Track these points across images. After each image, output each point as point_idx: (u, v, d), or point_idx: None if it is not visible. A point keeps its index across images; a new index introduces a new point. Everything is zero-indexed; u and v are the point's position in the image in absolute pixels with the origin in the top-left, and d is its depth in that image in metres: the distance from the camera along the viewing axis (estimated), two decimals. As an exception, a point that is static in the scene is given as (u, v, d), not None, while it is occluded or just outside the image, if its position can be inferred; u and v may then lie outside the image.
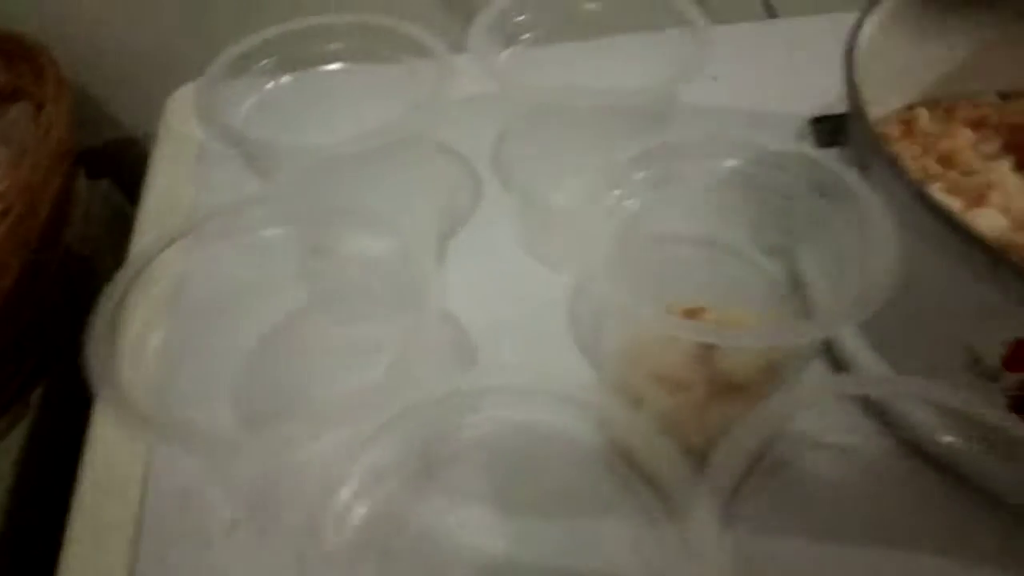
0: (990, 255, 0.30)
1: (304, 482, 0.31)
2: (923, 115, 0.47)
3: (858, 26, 0.41)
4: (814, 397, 0.26)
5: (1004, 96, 0.49)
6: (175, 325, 0.33)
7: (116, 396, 0.27)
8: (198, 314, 0.34)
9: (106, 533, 0.37)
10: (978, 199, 0.40)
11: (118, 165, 0.74)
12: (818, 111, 0.55)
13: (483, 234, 0.50)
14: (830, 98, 0.56)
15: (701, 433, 0.36)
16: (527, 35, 0.44)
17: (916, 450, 0.29)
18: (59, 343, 0.55)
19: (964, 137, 0.44)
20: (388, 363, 0.28)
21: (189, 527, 0.37)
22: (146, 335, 0.31)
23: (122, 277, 0.31)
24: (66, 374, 0.55)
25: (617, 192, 0.35)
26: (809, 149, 0.35)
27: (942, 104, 0.48)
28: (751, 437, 0.24)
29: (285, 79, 0.41)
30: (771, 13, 0.71)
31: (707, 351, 0.35)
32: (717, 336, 0.30)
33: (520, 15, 0.44)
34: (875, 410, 0.29)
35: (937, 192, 0.40)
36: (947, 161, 0.42)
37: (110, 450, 0.40)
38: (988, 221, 0.38)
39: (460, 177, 0.53)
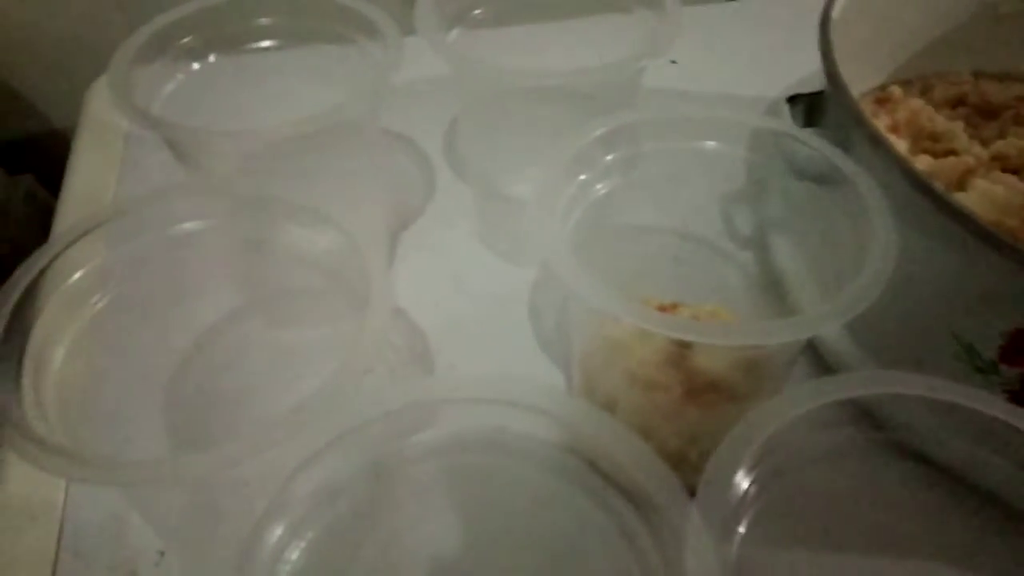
0: (988, 239, 0.28)
1: (239, 509, 0.27)
2: (897, 93, 0.44)
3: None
4: (804, 402, 0.23)
5: (976, 75, 0.47)
6: (90, 332, 0.29)
7: (18, 426, 0.23)
8: (117, 319, 0.30)
9: (20, 567, 0.33)
10: (959, 183, 0.38)
11: (42, 159, 0.69)
12: (783, 92, 0.53)
13: (437, 227, 0.46)
14: (793, 79, 0.54)
15: (679, 435, 0.33)
16: (478, 12, 0.41)
17: (913, 451, 0.27)
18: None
19: (946, 116, 0.41)
20: (331, 372, 0.24)
21: (112, 559, 0.33)
22: (53, 346, 0.27)
23: (20, 278, 0.27)
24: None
25: (582, 178, 0.32)
26: (789, 127, 0.33)
27: (916, 83, 0.46)
28: (742, 449, 0.21)
29: (212, 59, 0.37)
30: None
31: (682, 349, 0.32)
32: (697, 332, 0.27)
33: (469, -7, 0.40)
34: (867, 409, 0.26)
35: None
36: (927, 140, 0.40)
37: (24, 474, 0.36)
38: (972, 205, 0.36)
39: (411, 166, 0.50)
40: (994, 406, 0.25)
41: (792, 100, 0.39)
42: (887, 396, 0.24)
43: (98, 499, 0.34)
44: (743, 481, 0.21)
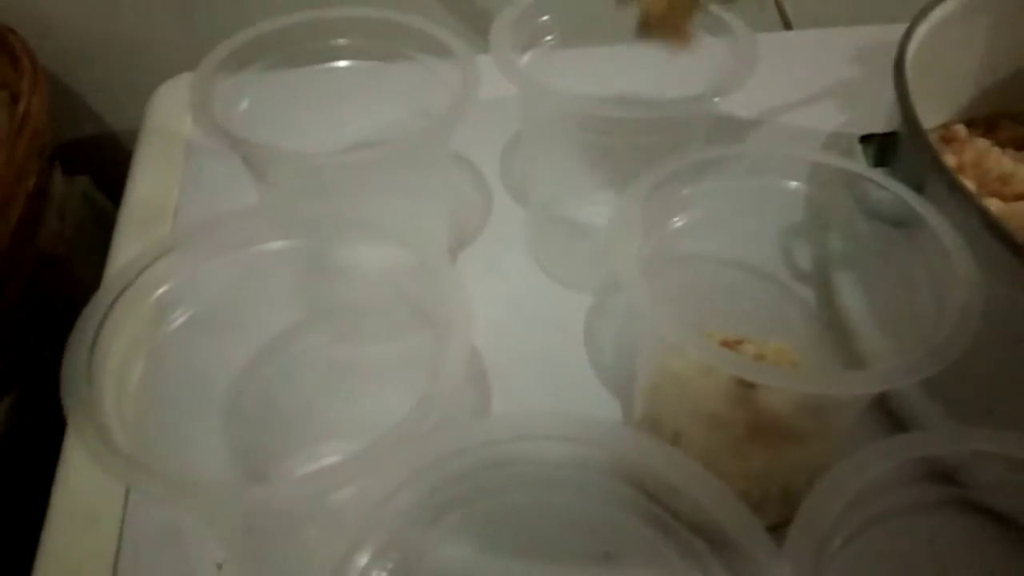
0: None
1: (300, 531, 0.27)
2: (962, 132, 0.44)
3: (906, 39, 0.38)
4: (885, 460, 0.23)
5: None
6: (162, 350, 0.30)
7: (95, 437, 0.23)
8: (188, 337, 0.31)
9: (79, 569, 0.34)
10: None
11: (99, 161, 0.70)
12: (842, 126, 0.53)
13: (494, 248, 0.46)
14: (852, 112, 0.54)
15: (742, 474, 0.33)
16: (550, 37, 0.41)
17: (995, 510, 0.27)
18: (30, 351, 0.51)
19: (1011, 157, 0.41)
20: (414, 405, 0.24)
21: (170, 568, 0.33)
22: (130, 362, 0.28)
23: (103, 297, 0.27)
24: (38, 384, 0.51)
25: (655, 211, 0.32)
26: (865, 169, 0.32)
27: (981, 122, 0.46)
28: (829, 508, 0.21)
29: (287, 76, 0.38)
30: (787, 25, 0.69)
31: (747, 387, 0.32)
32: (774, 377, 0.27)
33: (544, 15, 0.41)
34: (946, 466, 0.26)
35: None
36: (996, 183, 0.39)
37: (85, 477, 0.36)
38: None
39: (469, 185, 0.50)
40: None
41: (864, 140, 0.38)
42: (967, 453, 0.24)
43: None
44: (830, 540, 0.21)
